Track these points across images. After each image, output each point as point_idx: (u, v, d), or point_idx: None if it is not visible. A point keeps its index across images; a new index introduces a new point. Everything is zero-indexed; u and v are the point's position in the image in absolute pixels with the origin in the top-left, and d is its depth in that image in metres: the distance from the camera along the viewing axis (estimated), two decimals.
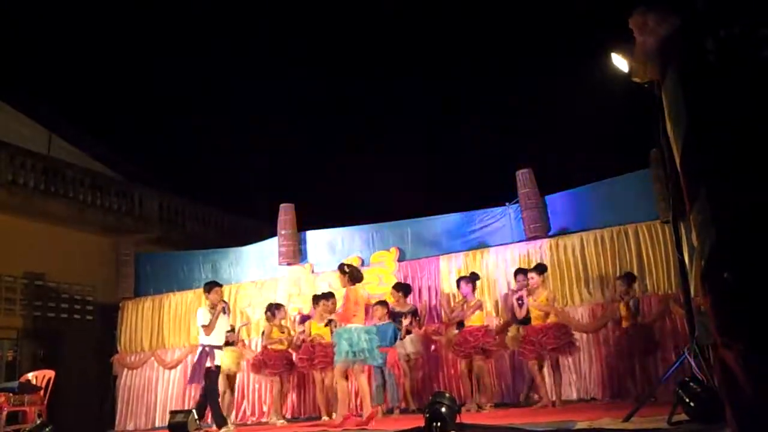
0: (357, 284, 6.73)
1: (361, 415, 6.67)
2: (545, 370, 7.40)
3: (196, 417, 4.77)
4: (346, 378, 6.74)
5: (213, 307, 7.34)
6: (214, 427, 6.93)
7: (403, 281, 8.76)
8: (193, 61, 15.62)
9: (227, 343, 8.35)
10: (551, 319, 7.31)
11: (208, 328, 7.15)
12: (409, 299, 8.44)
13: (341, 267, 6.91)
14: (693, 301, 4.78)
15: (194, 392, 8.81)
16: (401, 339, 7.97)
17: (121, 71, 14.93)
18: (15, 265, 10.45)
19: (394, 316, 8.09)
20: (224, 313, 7.36)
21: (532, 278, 7.48)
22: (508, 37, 14.52)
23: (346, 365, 6.48)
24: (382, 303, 8.15)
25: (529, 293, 7.49)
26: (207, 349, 7.09)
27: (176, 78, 15.78)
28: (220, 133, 16.03)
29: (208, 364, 7.03)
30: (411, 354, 8.03)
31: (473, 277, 7.91)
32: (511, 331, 7.78)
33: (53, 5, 13.25)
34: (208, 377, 7.04)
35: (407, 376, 8.04)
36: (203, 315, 7.25)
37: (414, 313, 8.24)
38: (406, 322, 8.05)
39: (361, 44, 15.45)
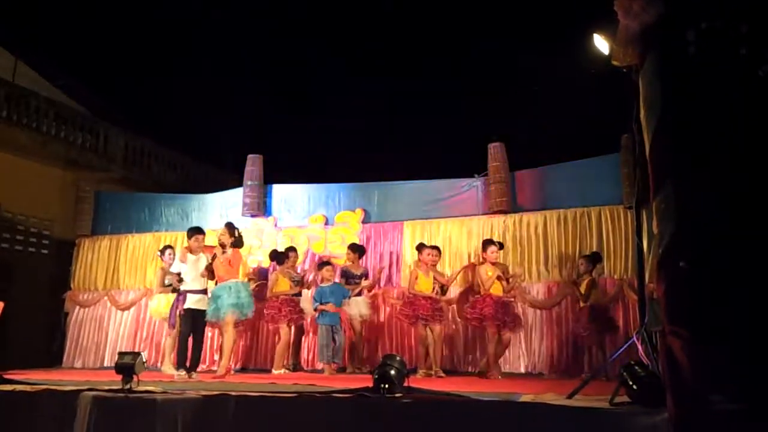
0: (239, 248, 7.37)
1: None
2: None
3: (143, 360, 4.74)
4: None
5: (192, 253, 7.27)
6: (181, 372, 6.89)
7: (365, 243, 8.84)
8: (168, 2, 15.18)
9: (174, 290, 8.34)
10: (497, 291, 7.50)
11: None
12: (362, 261, 8.52)
13: (231, 227, 7.36)
14: (646, 288, 4.86)
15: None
16: (349, 298, 8.10)
17: (95, 3, 14.44)
18: None
19: (347, 277, 8.27)
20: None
21: (493, 251, 7.60)
22: (494, 10, 14.41)
23: (234, 316, 7.06)
24: (328, 263, 8.32)
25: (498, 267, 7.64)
26: (181, 294, 7.16)
27: (152, 17, 15.32)
28: (193, 78, 15.67)
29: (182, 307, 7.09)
30: (363, 316, 8.13)
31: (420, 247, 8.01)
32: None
33: None
34: (180, 320, 7.13)
35: (358, 337, 8.14)
36: (176, 264, 7.38)
37: (365, 275, 8.36)
38: (365, 283, 8.27)
39: (337, 6, 15.18)
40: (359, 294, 8.23)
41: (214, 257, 7.19)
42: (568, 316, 7.96)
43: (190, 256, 7.25)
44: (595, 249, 7.98)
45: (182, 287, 7.14)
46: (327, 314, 7.87)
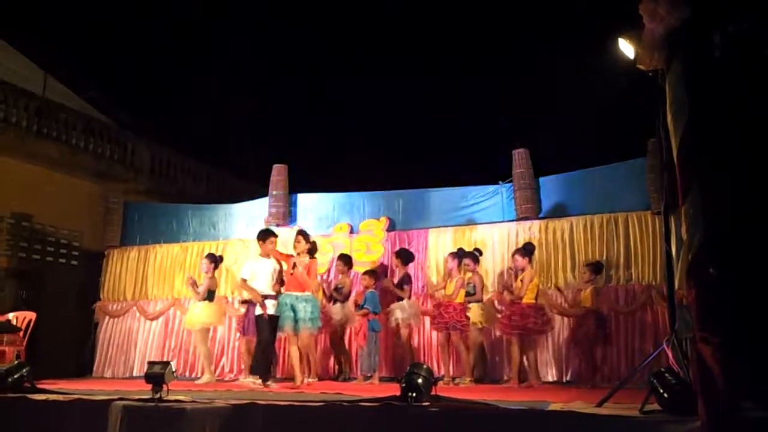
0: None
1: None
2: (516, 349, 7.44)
3: (173, 369, 4.78)
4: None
5: (266, 257, 6.92)
6: (257, 380, 6.62)
7: (390, 251, 8.81)
8: (193, 13, 15.38)
9: (204, 298, 8.36)
10: (527, 299, 7.37)
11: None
12: (408, 268, 8.37)
13: (306, 235, 7.15)
14: (676, 294, 4.80)
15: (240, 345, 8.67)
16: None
17: (122, 17, 14.69)
18: (2, 205, 10.36)
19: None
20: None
21: (516, 259, 7.55)
22: (518, 16, 14.39)
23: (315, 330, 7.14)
24: (371, 273, 8.27)
25: (515, 274, 7.57)
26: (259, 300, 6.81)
27: (176, 30, 15.55)
28: (217, 89, 15.86)
29: (258, 312, 6.76)
30: (398, 320, 7.98)
31: (460, 253, 7.93)
32: (472, 307, 7.70)
33: None
34: (257, 325, 6.87)
35: (396, 343, 8.07)
36: (246, 269, 6.99)
37: (406, 280, 8.23)
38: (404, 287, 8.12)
39: (360, 10, 15.24)
40: (398, 299, 8.09)
41: (294, 266, 6.89)
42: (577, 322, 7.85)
43: (264, 260, 6.91)
44: (621, 255, 7.91)
45: (259, 290, 6.78)
46: (376, 322, 7.95)
